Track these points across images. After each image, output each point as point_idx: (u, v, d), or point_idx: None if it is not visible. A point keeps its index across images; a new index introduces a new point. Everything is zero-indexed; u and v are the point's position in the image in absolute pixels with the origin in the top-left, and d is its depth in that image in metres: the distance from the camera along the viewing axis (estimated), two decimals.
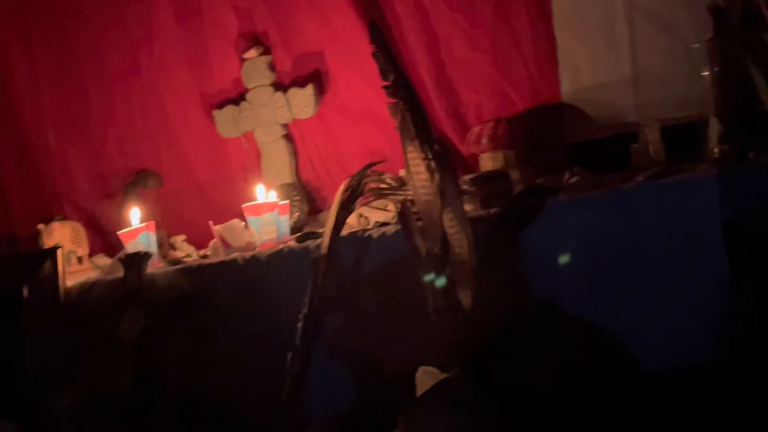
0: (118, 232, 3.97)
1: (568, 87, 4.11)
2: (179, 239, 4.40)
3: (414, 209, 3.20)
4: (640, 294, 3.05)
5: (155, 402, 3.51)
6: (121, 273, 3.68)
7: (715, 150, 3.34)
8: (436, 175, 3.03)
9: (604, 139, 3.85)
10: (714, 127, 3.39)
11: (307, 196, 4.53)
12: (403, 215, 3.18)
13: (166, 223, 4.44)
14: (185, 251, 4.28)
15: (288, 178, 4.52)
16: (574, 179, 3.42)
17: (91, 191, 4.95)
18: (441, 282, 2.94)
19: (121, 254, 3.80)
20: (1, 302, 3.74)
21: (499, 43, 4.17)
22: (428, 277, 2.96)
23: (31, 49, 4.95)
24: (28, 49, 4.95)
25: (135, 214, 4.02)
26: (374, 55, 3.14)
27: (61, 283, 3.74)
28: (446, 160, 3.07)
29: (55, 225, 4.38)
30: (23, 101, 4.97)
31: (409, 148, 3.10)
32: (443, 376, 2.86)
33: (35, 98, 4.95)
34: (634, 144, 3.62)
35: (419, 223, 3.14)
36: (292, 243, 3.66)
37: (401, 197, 3.36)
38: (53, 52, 4.93)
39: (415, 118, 3.09)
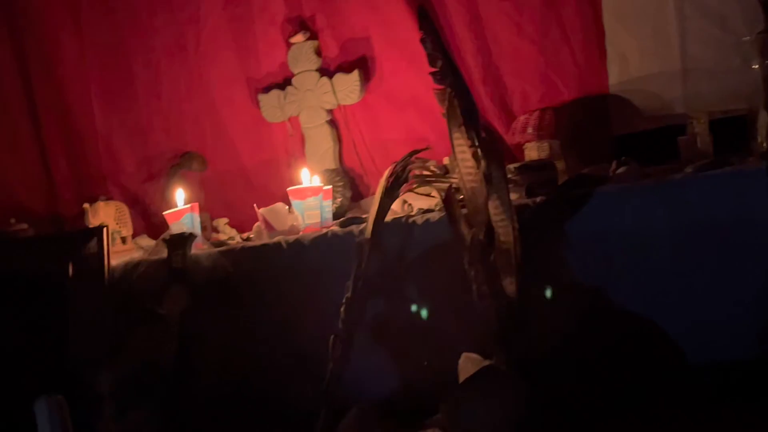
0: (163, 213, 4.00)
1: (615, 78, 4.08)
2: (222, 222, 4.43)
3: (459, 196, 3.20)
4: (686, 285, 3.04)
5: (195, 381, 3.53)
6: (165, 253, 3.71)
7: (764, 144, 3.32)
8: (483, 163, 3.03)
9: (650, 131, 3.83)
10: (763, 121, 3.37)
11: (349, 182, 4.54)
12: (448, 202, 3.18)
13: (208, 206, 4.47)
14: (228, 234, 4.31)
15: (331, 163, 4.54)
16: (621, 169, 3.40)
17: (135, 172, 5.00)
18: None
19: (165, 235, 3.83)
20: (47, 280, 3.76)
21: (547, 32, 4.14)
22: None
23: (80, 30, 4.99)
24: (76, 29, 4.99)
25: (180, 196, 4.05)
26: (422, 40, 3.15)
27: (106, 262, 3.76)
28: (493, 147, 3.07)
29: (101, 204, 4.42)
30: (71, 82, 5.01)
31: (456, 135, 3.10)
32: (486, 362, 2.86)
33: (82, 79, 4.99)
34: (682, 136, 3.59)
35: (464, 210, 3.14)
36: (336, 228, 3.67)
37: (446, 184, 3.36)
38: (101, 33, 4.97)
39: (463, 104, 3.09)
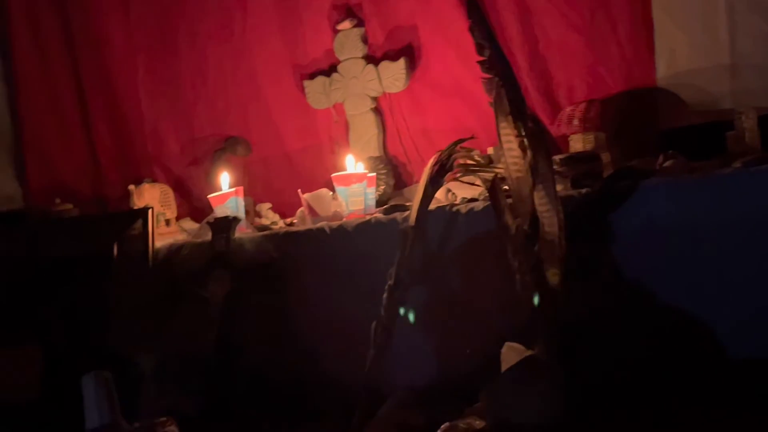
0: (208, 196, 4.03)
1: (663, 71, 4.05)
2: (265, 207, 4.45)
3: (504, 186, 3.20)
4: (731, 280, 3.01)
5: (237, 364, 3.56)
6: (209, 236, 3.75)
7: None
8: (529, 153, 3.03)
9: (697, 126, 3.80)
10: None
11: (392, 170, 4.54)
12: (493, 191, 3.18)
13: (252, 191, 4.49)
14: (270, 219, 4.34)
15: (375, 151, 4.55)
16: (668, 163, 3.38)
17: (180, 155, 5.04)
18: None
19: (210, 218, 3.86)
20: (93, 259, 3.81)
21: (595, 23, 4.12)
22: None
23: (128, 13, 5.04)
24: (125, 12, 5.05)
25: (225, 179, 4.08)
26: (471, 29, 3.15)
27: (150, 244, 3.80)
28: (540, 137, 3.07)
29: (146, 186, 4.46)
30: (118, 64, 5.06)
31: (503, 125, 3.10)
32: (528, 353, 2.86)
33: (129, 62, 5.04)
34: (730, 131, 3.57)
35: (509, 200, 3.14)
36: (380, 214, 3.69)
37: (490, 174, 3.36)
38: (149, 15, 5.02)
39: (510, 94, 3.09)
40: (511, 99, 3.07)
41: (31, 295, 3.87)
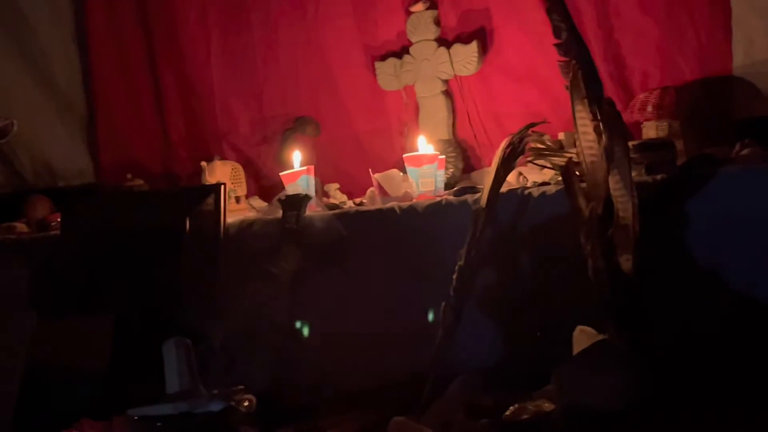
0: (279, 174, 4.07)
1: (740, 60, 3.99)
2: (333, 187, 4.47)
3: (577, 171, 3.19)
4: None
5: (304, 339, 3.59)
6: (279, 213, 3.78)
7: None
8: (604, 137, 3.01)
9: None
10: None
11: (461, 154, 4.54)
12: (566, 175, 3.17)
13: (320, 171, 4.50)
14: (338, 199, 4.36)
15: (445, 134, 4.54)
16: (745, 151, 3.34)
17: (250, 134, 5.05)
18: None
19: (281, 195, 3.89)
20: (165, 233, 3.86)
21: (672, 9, 4.07)
22: None
23: None
24: None
25: (297, 157, 4.11)
26: (548, 11, 3.14)
27: (222, 219, 3.84)
28: (616, 121, 3.05)
29: (217, 163, 4.49)
30: (191, 42, 5.07)
31: (578, 108, 3.09)
32: (600, 337, 2.85)
33: (203, 39, 5.05)
34: None
35: (582, 185, 3.13)
36: (450, 196, 3.69)
37: (562, 158, 3.35)
38: None
39: (587, 77, 3.08)
40: (587, 82, 3.06)
41: (104, 266, 3.93)
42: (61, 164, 5.32)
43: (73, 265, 3.96)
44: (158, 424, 2.93)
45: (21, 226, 4.45)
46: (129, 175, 4.74)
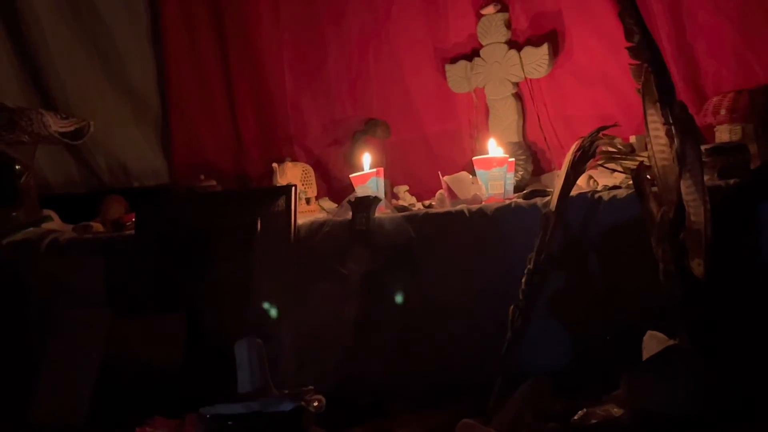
0: (350, 175, 4.10)
1: None
2: (402, 189, 4.50)
3: (648, 174, 3.17)
4: None
5: (373, 342, 3.61)
6: (349, 215, 3.81)
7: None
8: (676, 140, 2.99)
9: None
10: None
11: (531, 157, 4.53)
12: (638, 178, 3.15)
13: (389, 173, 4.53)
14: (407, 201, 4.37)
15: (515, 136, 4.54)
16: None
17: (320, 136, 5.09)
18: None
19: (351, 197, 3.91)
20: (237, 233, 3.91)
21: (746, 10, 4.01)
22: None
23: None
24: None
25: (367, 159, 4.13)
26: (620, 14, 3.12)
27: (293, 220, 3.88)
28: (689, 125, 3.03)
29: (288, 165, 4.54)
30: (264, 43, 5.12)
31: (650, 112, 3.07)
32: (671, 342, 2.83)
33: (276, 40, 5.09)
34: None
35: (654, 189, 3.11)
36: (520, 199, 3.69)
37: (634, 162, 3.33)
38: None
39: (659, 81, 3.05)
40: (659, 86, 3.04)
41: (177, 265, 3.99)
42: (135, 165, 5.41)
43: (147, 265, 4.03)
44: (229, 423, 2.96)
45: (97, 226, 4.53)
46: (202, 176, 4.79)
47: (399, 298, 3.62)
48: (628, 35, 3.09)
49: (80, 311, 3.93)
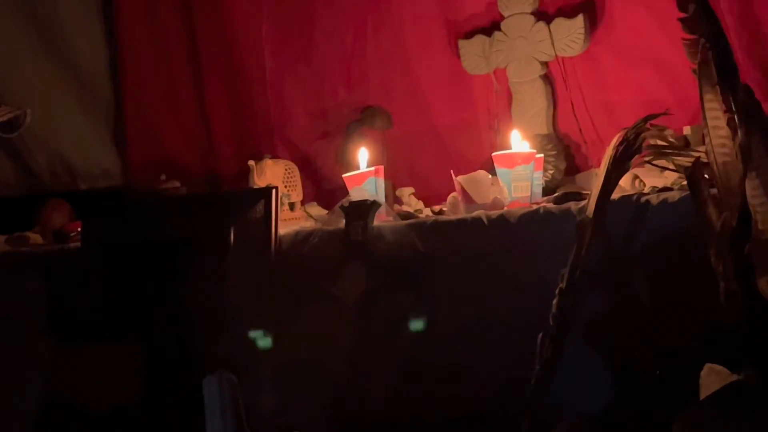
0: (342, 176, 4.10)
1: None
2: (406, 192, 4.50)
3: (706, 173, 3.17)
4: None
5: (373, 376, 3.62)
6: (342, 223, 3.82)
7: None
8: (740, 132, 2.99)
9: None
10: None
11: (564, 152, 4.54)
12: (693, 179, 3.14)
13: (391, 172, 4.54)
14: (413, 207, 4.38)
15: (543, 127, 4.55)
16: None
17: (308, 127, 5.12)
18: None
19: (344, 201, 3.92)
20: (205, 246, 3.92)
21: None
22: None
23: None
24: None
25: (363, 156, 4.13)
26: None
27: (273, 230, 3.88)
28: (756, 114, 3.02)
29: (268, 163, 4.55)
30: (239, 18, 5.16)
31: (708, 97, 3.06)
32: (734, 377, 2.83)
33: (253, 15, 5.13)
34: None
35: (713, 191, 3.11)
36: (549, 204, 3.69)
37: (690, 158, 3.33)
38: None
39: (719, 59, 3.05)
40: (719, 66, 3.04)
41: (133, 285, 4.00)
42: (82, 163, 5.44)
43: (96, 284, 4.03)
44: None
45: (35, 237, 4.54)
46: (163, 177, 4.81)
47: (403, 324, 3.60)
48: (681, 5, 3.09)
49: (16, 339, 3.93)
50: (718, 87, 3.02)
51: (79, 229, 4.36)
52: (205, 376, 3.10)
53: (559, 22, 4.47)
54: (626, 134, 3.35)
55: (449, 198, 4.06)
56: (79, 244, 4.24)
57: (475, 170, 4.12)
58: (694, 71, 3.09)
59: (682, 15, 3.09)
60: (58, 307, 4.04)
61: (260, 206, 3.94)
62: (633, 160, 3.40)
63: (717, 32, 3.07)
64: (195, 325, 3.82)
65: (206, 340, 3.75)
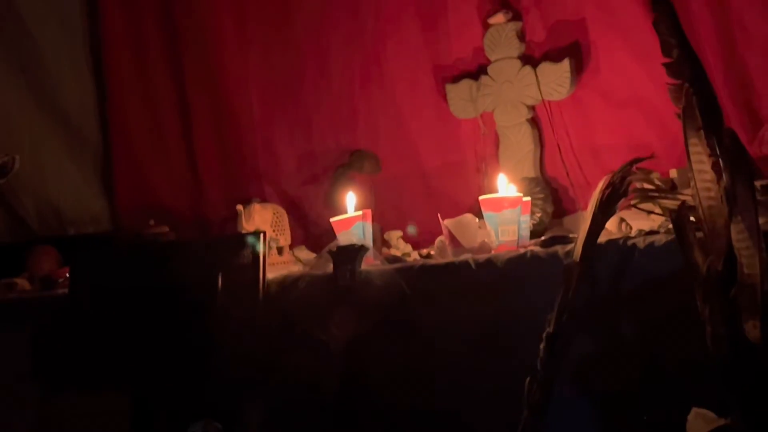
0: (330, 220, 4.10)
1: None
2: (395, 236, 4.51)
3: (692, 217, 3.18)
4: None
5: (361, 417, 3.60)
6: (330, 268, 3.81)
7: None
8: (725, 176, 3.00)
9: None
10: None
11: (551, 195, 4.55)
12: (679, 222, 3.15)
13: (380, 216, 4.53)
14: (401, 250, 4.39)
15: (531, 171, 4.57)
16: None
17: (296, 172, 5.14)
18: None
19: (331, 246, 3.91)
20: (192, 292, 3.91)
21: None
22: None
23: (241, 4, 5.16)
24: (236, 1, 5.16)
25: (351, 200, 4.14)
26: (655, 23, 3.14)
27: (261, 275, 3.88)
28: (739, 157, 3.03)
29: (256, 207, 4.53)
30: (227, 62, 5.20)
31: (693, 141, 3.07)
32: (721, 421, 2.83)
33: (241, 60, 5.16)
34: None
35: (698, 234, 3.11)
36: (536, 247, 3.69)
37: (676, 201, 3.34)
38: (264, 5, 5.14)
39: (703, 103, 3.06)
40: (703, 109, 3.05)
41: (120, 331, 3.99)
42: (71, 208, 5.43)
43: (84, 331, 4.01)
44: None
45: (23, 283, 4.53)
46: (151, 222, 4.81)
47: (390, 369, 3.59)
48: (665, 49, 3.10)
49: (2, 387, 3.91)
50: (702, 131, 3.03)
51: (67, 275, 4.33)
52: (191, 424, 3.08)
53: (546, 67, 4.49)
54: (612, 178, 3.36)
55: (437, 242, 4.07)
56: (66, 290, 4.22)
57: (463, 213, 4.11)
58: (678, 115, 3.10)
59: (667, 59, 3.10)
60: (45, 354, 4.01)
61: (248, 251, 3.93)
62: (619, 204, 3.40)
63: (701, 77, 3.08)
64: (182, 372, 3.79)
65: (193, 386, 3.72)
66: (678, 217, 3.15)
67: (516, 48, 4.56)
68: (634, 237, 3.50)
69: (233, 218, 4.61)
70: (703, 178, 3.05)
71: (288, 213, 4.73)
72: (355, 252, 3.77)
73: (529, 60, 4.57)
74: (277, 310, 3.85)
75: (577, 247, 3.30)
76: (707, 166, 3.03)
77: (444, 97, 4.76)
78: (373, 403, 3.66)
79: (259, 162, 5.19)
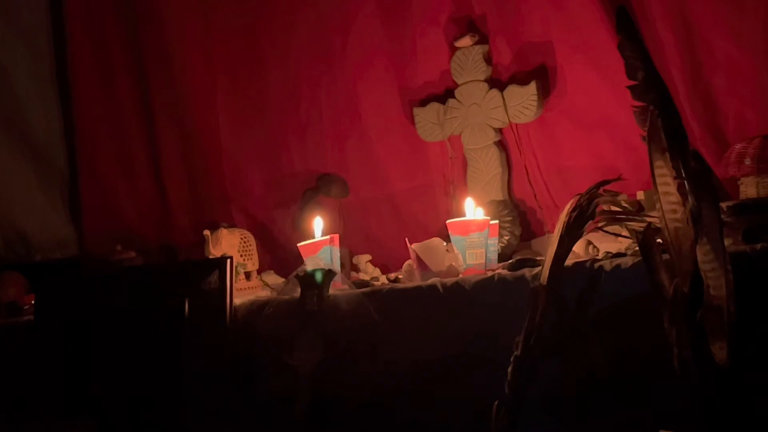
0: (297, 245, 4.09)
1: None
2: (363, 260, 4.50)
3: (658, 239, 3.18)
4: None
5: None
6: (297, 293, 3.80)
7: None
8: (690, 198, 3.00)
9: None
10: None
11: (519, 218, 4.55)
12: (645, 245, 3.15)
13: (348, 240, 4.54)
14: (370, 274, 4.38)
15: (499, 193, 4.56)
16: None
17: (263, 196, 5.13)
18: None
19: (299, 270, 3.91)
20: (159, 318, 3.89)
21: None
22: None
23: (207, 28, 5.17)
24: (203, 27, 5.17)
25: (318, 224, 4.13)
26: (620, 45, 3.14)
27: (228, 301, 3.87)
28: (705, 179, 3.04)
29: (223, 232, 4.52)
30: (194, 87, 5.19)
31: (658, 164, 3.08)
32: None
33: (208, 84, 5.15)
34: None
35: (665, 256, 3.12)
36: (504, 270, 3.69)
37: (642, 224, 3.34)
38: (231, 31, 5.14)
39: (668, 125, 3.07)
40: (668, 132, 3.06)
41: (87, 358, 3.96)
42: (37, 234, 5.41)
43: (49, 359, 3.99)
44: None
45: None
46: (119, 247, 4.79)
47: (358, 392, 3.59)
48: (630, 72, 3.11)
49: None
50: (667, 153, 3.04)
51: (32, 302, 4.31)
52: None
53: (513, 89, 4.49)
54: (579, 200, 3.36)
55: (404, 266, 4.06)
56: (32, 317, 4.19)
57: (432, 236, 4.11)
58: (643, 138, 3.11)
59: (631, 82, 3.11)
60: (9, 382, 3.98)
61: (215, 276, 3.93)
62: (586, 226, 3.41)
63: (666, 99, 3.09)
64: (150, 401, 3.77)
65: (161, 415, 3.70)
66: (644, 239, 3.16)
67: (483, 71, 4.56)
68: (601, 259, 3.50)
69: (201, 243, 4.59)
70: (668, 200, 3.06)
71: (256, 238, 4.74)
72: (322, 277, 3.76)
73: (496, 83, 4.57)
74: (245, 336, 3.83)
75: (544, 270, 3.30)
76: (673, 188, 3.04)
77: (412, 120, 4.76)
78: (341, 427, 3.65)
79: (227, 187, 5.18)
